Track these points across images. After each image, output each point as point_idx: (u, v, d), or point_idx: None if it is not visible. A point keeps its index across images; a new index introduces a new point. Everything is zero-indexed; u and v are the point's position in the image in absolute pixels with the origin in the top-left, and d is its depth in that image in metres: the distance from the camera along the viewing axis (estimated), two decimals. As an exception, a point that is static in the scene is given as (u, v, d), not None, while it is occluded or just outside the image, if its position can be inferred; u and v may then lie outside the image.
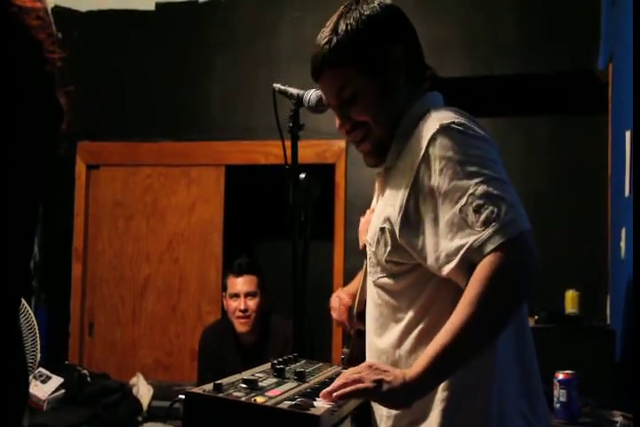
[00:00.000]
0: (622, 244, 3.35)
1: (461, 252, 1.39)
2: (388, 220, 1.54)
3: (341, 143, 4.56)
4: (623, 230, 3.33)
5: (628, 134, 3.18)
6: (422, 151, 1.47)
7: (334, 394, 1.38)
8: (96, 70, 4.74)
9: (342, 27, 1.59)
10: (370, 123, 1.62)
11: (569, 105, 4.35)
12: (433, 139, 1.47)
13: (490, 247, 1.37)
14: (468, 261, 1.39)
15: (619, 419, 2.62)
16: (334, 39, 1.58)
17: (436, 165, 1.45)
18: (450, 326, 1.37)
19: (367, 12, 1.60)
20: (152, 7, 4.90)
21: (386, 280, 1.59)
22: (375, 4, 1.62)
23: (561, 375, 2.66)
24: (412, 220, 1.49)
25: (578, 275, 4.10)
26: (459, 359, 1.39)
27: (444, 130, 1.47)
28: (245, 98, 4.74)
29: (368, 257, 1.65)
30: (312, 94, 2.20)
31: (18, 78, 1.24)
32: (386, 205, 1.56)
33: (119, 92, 4.95)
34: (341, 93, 1.62)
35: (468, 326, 1.36)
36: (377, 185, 1.72)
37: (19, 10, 1.25)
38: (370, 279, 1.65)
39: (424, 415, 1.51)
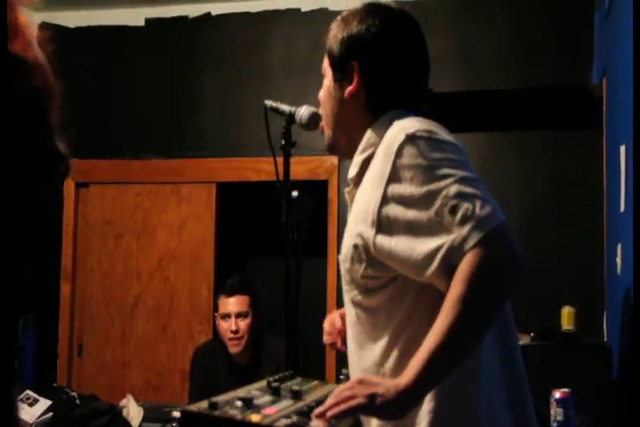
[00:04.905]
0: (618, 259, 3.32)
1: (441, 252, 1.38)
2: (360, 235, 1.52)
3: (334, 160, 4.53)
4: (619, 246, 3.30)
5: (622, 149, 3.16)
6: (391, 164, 1.48)
7: (328, 414, 1.35)
8: (85, 87, 4.71)
9: (340, 23, 1.71)
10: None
11: (563, 120, 4.34)
12: (400, 149, 1.48)
13: (470, 244, 1.36)
14: (449, 263, 1.38)
15: (618, 438, 2.58)
16: (331, 27, 1.73)
17: (406, 175, 1.46)
18: (437, 329, 1.36)
19: (359, 29, 1.66)
20: (142, 23, 4.88)
21: (362, 297, 1.57)
22: (373, 23, 1.66)
23: (558, 394, 2.63)
24: (386, 231, 1.47)
25: (574, 291, 4.07)
26: (449, 362, 1.37)
27: (410, 139, 1.48)
28: (236, 114, 4.72)
29: (342, 275, 1.63)
30: (304, 111, 2.18)
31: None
32: (356, 221, 1.55)
33: (108, 108, 4.91)
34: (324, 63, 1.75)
35: (455, 328, 1.34)
36: (348, 202, 1.71)
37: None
38: (346, 298, 1.64)
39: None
